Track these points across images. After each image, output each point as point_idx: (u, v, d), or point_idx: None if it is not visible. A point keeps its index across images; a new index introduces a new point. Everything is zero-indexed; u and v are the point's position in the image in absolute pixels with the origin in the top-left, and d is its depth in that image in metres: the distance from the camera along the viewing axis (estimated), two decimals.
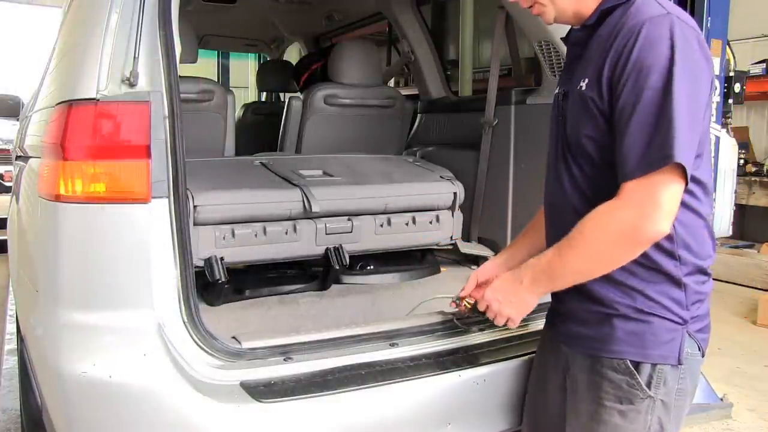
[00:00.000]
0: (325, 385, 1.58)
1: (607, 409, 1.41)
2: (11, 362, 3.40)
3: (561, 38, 1.70)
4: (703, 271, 1.41)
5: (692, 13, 2.96)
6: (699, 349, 1.42)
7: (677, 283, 1.37)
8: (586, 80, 1.37)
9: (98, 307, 1.49)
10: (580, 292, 1.43)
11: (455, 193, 2.80)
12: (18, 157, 2.60)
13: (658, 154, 1.24)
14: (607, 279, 1.38)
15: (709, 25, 2.93)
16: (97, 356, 1.46)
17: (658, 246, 1.34)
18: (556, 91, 1.55)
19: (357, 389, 1.59)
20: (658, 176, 1.25)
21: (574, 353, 1.48)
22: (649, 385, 1.38)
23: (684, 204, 1.33)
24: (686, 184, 1.27)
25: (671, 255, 1.36)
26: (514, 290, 1.52)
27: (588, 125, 1.38)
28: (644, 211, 1.27)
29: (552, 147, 1.53)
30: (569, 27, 1.58)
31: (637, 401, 1.38)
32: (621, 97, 1.30)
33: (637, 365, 1.38)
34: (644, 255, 1.34)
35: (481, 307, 1.64)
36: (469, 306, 1.77)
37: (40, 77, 2.53)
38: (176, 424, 1.47)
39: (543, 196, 1.62)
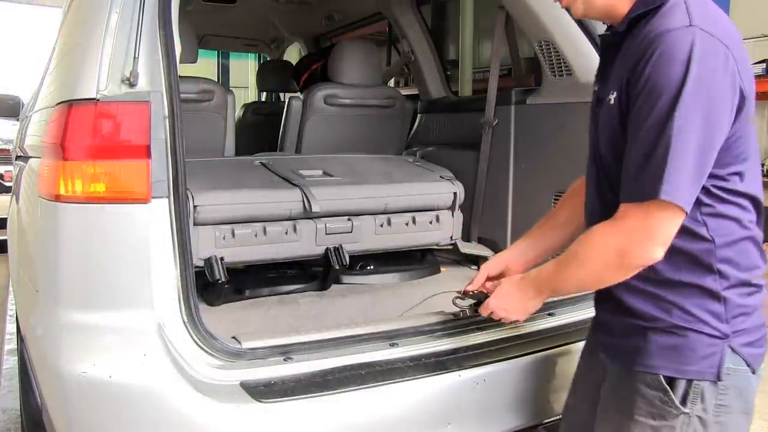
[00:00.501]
0: (325, 385, 1.58)
1: (639, 424, 1.35)
2: (11, 362, 3.40)
3: (598, 36, 1.67)
4: (747, 284, 1.33)
5: None
6: (747, 365, 1.32)
7: (716, 297, 1.30)
8: (614, 93, 1.32)
9: (98, 307, 1.49)
10: (616, 303, 1.39)
11: (455, 193, 2.80)
12: (18, 157, 2.60)
13: (649, 186, 1.20)
14: (643, 292, 1.34)
15: None
16: (97, 356, 1.46)
17: (694, 261, 1.30)
18: (594, 88, 1.49)
19: (357, 389, 1.59)
20: (652, 205, 1.22)
21: (611, 363, 1.44)
22: (684, 401, 1.31)
23: (724, 215, 1.28)
24: (686, 213, 1.23)
25: (709, 269, 1.30)
26: (521, 300, 1.61)
27: (611, 139, 1.34)
28: (634, 238, 1.26)
29: (589, 145, 1.49)
30: (601, 26, 1.54)
31: (671, 417, 1.32)
32: (631, 116, 1.25)
33: (671, 381, 1.32)
34: (681, 270, 1.30)
35: (485, 313, 1.69)
36: (470, 306, 1.79)
37: (40, 77, 2.53)
38: (176, 424, 1.47)
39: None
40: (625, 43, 1.33)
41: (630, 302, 1.37)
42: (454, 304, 1.86)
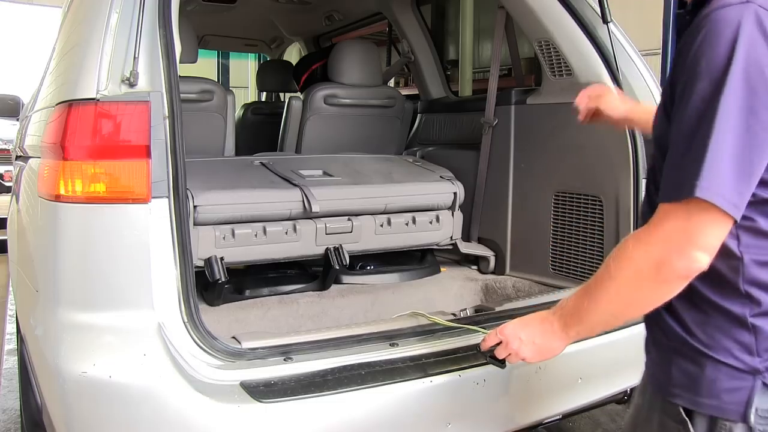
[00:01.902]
0: (325, 385, 1.58)
1: None
2: (11, 362, 3.40)
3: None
4: None
5: None
6: None
7: (743, 324, 1.11)
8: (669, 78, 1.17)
9: (98, 307, 1.49)
10: (653, 319, 1.24)
11: (455, 193, 2.80)
12: (18, 157, 2.60)
13: (686, 181, 1.02)
14: (671, 308, 1.18)
15: None
16: (97, 356, 1.46)
17: (719, 278, 1.12)
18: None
19: (357, 389, 1.59)
20: (692, 204, 1.03)
21: (648, 382, 1.29)
22: None
23: (763, 232, 1.09)
24: (733, 219, 1.03)
25: (735, 291, 1.11)
26: (542, 332, 1.34)
27: (659, 131, 1.20)
28: (673, 244, 1.06)
29: None
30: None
31: None
32: (675, 102, 1.10)
33: (690, 414, 1.15)
34: (704, 286, 1.13)
35: (491, 341, 1.45)
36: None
37: (40, 77, 2.53)
38: (176, 424, 1.47)
39: None
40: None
41: (663, 317, 1.20)
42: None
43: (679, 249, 1.06)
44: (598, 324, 1.25)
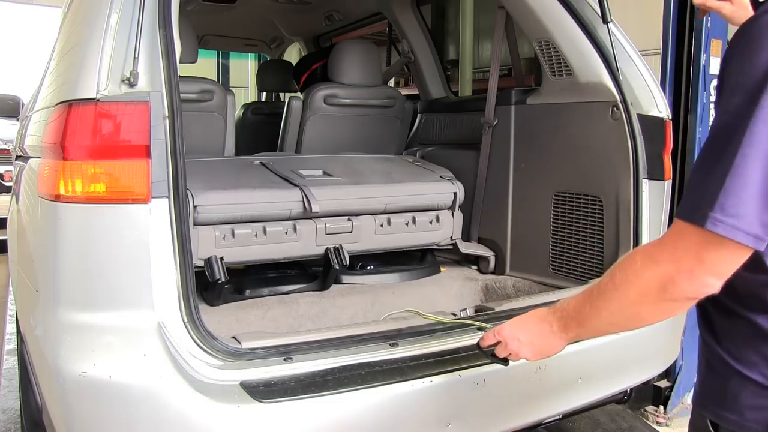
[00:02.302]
0: (325, 385, 1.58)
1: None
2: (11, 362, 3.40)
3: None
4: None
5: (692, 13, 2.97)
6: None
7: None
8: None
9: (98, 307, 1.49)
10: (699, 323, 1.18)
11: (455, 193, 2.80)
12: (18, 157, 2.60)
13: (705, 207, 0.94)
14: (706, 313, 1.13)
15: (709, 25, 2.93)
16: (97, 356, 1.46)
17: (748, 291, 1.05)
18: None
19: (357, 389, 1.59)
20: (709, 235, 0.94)
21: None
22: None
23: None
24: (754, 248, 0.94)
25: (764, 306, 1.04)
26: (541, 333, 1.31)
27: None
28: (684, 265, 0.99)
29: None
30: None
31: None
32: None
33: (717, 428, 1.10)
34: (733, 295, 1.06)
35: (489, 340, 1.43)
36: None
37: (40, 77, 2.53)
38: (176, 424, 1.47)
39: None
40: None
41: (700, 317, 1.14)
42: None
43: (689, 272, 0.99)
44: (598, 330, 1.23)
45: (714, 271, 0.98)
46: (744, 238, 0.91)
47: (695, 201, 0.96)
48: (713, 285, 0.99)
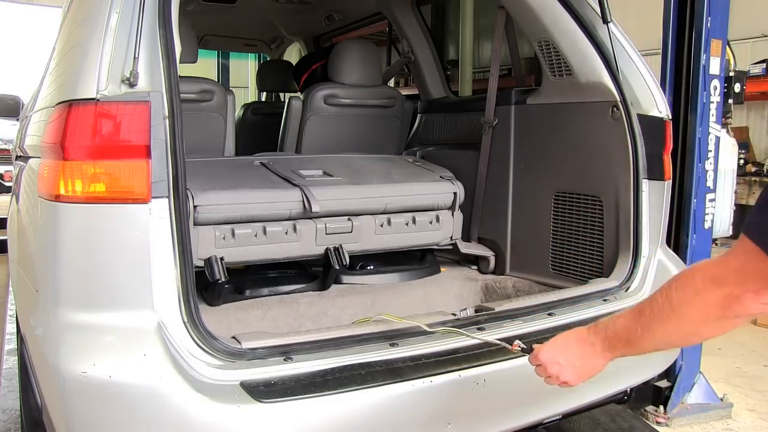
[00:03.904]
0: (325, 385, 1.58)
1: None
2: (11, 362, 3.40)
3: None
4: None
5: (692, 13, 2.97)
6: None
7: None
8: None
9: (98, 307, 1.49)
10: None
11: (455, 193, 2.80)
12: (18, 157, 2.60)
13: (766, 227, 0.94)
14: None
15: (709, 25, 2.93)
16: (97, 356, 1.45)
17: None
18: None
19: (357, 389, 1.59)
20: None
21: None
22: None
23: None
24: None
25: None
26: (583, 354, 1.28)
27: None
28: (750, 287, 0.98)
29: None
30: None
31: None
32: None
33: None
34: None
35: (533, 362, 1.39)
36: (522, 349, 1.52)
37: (40, 77, 2.53)
38: (176, 424, 1.47)
39: None
40: None
41: None
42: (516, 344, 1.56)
43: (756, 292, 0.98)
44: (649, 349, 1.19)
45: None
46: None
47: (760, 220, 0.95)
48: None
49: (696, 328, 1.08)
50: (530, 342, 1.53)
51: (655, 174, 2.37)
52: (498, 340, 1.60)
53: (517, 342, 1.52)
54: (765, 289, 0.97)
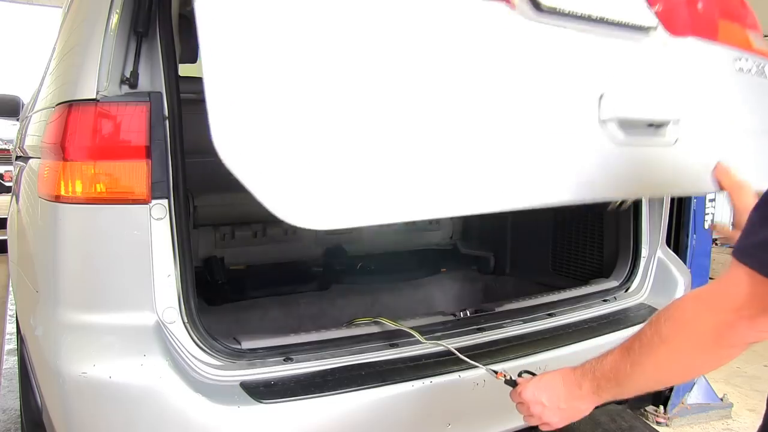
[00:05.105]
0: (325, 385, 1.58)
1: None
2: (11, 362, 3.40)
3: None
4: None
5: None
6: None
7: None
8: None
9: (98, 308, 1.49)
10: None
11: None
12: (18, 158, 2.60)
13: (757, 248, 0.90)
14: None
15: None
16: (97, 357, 1.45)
17: None
18: None
19: (357, 389, 1.59)
20: (758, 276, 0.89)
21: None
22: None
23: None
24: None
25: None
26: (568, 396, 1.19)
27: None
28: (744, 313, 0.92)
29: None
30: None
31: None
32: None
33: None
34: None
35: (515, 399, 1.32)
36: (508, 379, 1.45)
37: (40, 77, 2.53)
38: (176, 424, 1.47)
39: None
40: None
41: None
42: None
43: (750, 319, 0.92)
44: (640, 389, 1.11)
45: None
46: None
47: (758, 247, 0.90)
48: None
49: (689, 360, 1.02)
50: (526, 370, 1.47)
51: None
52: (488, 367, 1.55)
53: (502, 371, 1.45)
54: (761, 315, 0.92)
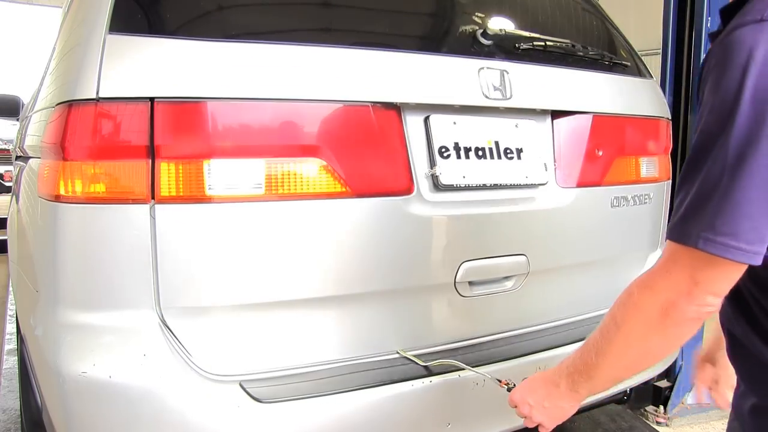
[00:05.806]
0: (324, 385, 1.58)
1: None
2: (11, 362, 3.41)
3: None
4: None
5: (692, 13, 2.97)
6: None
7: None
8: None
9: (98, 307, 1.49)
10: None
11: None
12: (18, 157, 2.60)
13: (695, 228, 0.93)
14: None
15: (709, 25, 2.93)
16: (97, 356, 1.45)
17: (751, 319, 1.05)
18: None
19: (357, 389, 1.59)
20: (704, 255, 0.93)
21: None
22: None
23: None
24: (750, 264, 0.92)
25: (765, 338, 1.04)
26: (549, 395, 1.22)
27: None
28: (682, 289, 0.97)
29: None
30: None
31: None
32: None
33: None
34: (737, 321, 1.08)
35: (510, 403, 1.36)
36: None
37: (40, 77, 2.53)
38: (176, 424, 1.47)
39: None
40: None
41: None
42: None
43: (688, 294, 0.97)
44: (610, 379, 1.13)
45: (713, 290, 0.97)
46: (740, 255, 0.90)
47: (686, 222, 0.94)
48: (714, 303, 0.98)
49: (643, 343, 1.05)
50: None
51: None
52: (491, 375, 1.60)
53: (506, 380, 1.51)
54: (695, 289, 0.96)
